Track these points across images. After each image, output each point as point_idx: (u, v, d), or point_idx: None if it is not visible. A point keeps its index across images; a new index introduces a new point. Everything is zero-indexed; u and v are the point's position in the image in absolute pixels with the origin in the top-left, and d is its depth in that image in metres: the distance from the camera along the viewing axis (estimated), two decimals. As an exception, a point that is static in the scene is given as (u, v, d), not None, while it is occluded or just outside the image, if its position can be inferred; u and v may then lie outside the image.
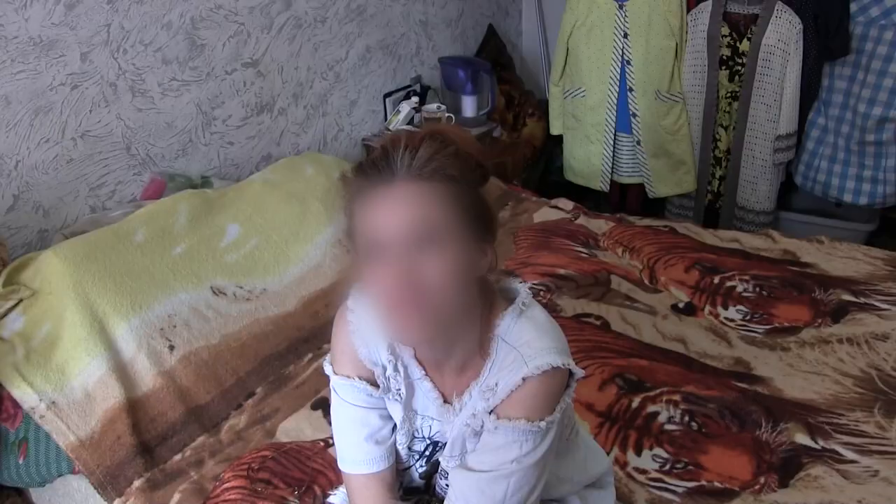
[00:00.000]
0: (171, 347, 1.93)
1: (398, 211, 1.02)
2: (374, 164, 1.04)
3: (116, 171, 2.38)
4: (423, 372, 1.23)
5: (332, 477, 1.67)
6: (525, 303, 1.19)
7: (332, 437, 1.77)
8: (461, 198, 1.05)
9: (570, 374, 1.16)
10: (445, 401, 1.23)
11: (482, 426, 1.16)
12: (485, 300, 1.16)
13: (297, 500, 1.62)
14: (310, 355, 2.14)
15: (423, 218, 1.02)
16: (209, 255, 2.16)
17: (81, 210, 2.31)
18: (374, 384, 1.24)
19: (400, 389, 1.23)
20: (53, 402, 1.75)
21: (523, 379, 1.10)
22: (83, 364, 1.81)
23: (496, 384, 1.14)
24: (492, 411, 1.14)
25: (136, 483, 1.72)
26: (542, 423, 1.12)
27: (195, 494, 1.68)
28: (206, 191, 2.39)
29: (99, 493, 1.71)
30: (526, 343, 1.14)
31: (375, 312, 1.13)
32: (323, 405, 1.92)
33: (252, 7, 2.68)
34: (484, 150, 1.15)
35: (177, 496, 1.68)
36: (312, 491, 1.64)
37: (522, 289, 1.21)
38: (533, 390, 1.11)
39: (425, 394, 1.24)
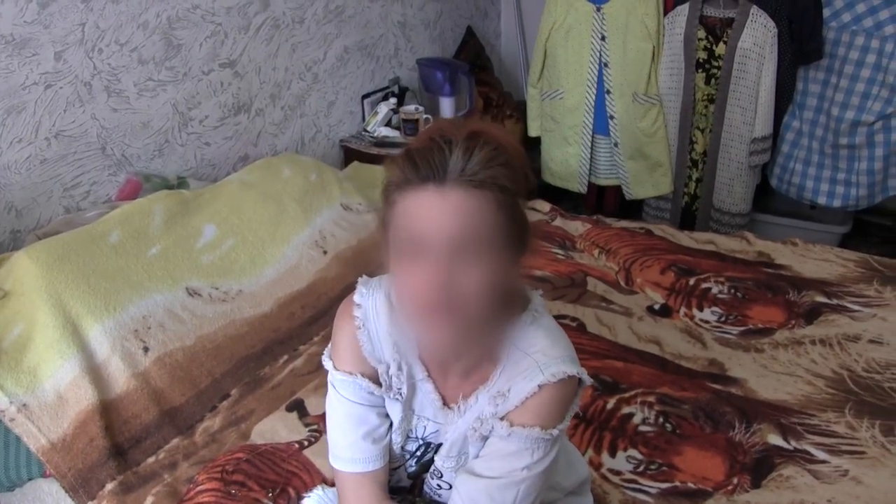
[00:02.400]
0: (146, 349, 1.91)
1: (447, 215, 0.99)
2: (426, 159, 1.00)
3: (91, 171, 2.36)
4: (426, 373, 1.22)
5: (307, 479, 1.66)
6: (538, 310, 1.18)
7: (307, 439, 1.78)
8: (507, 209, 1.03)
9: (579, 382, 1.16)
10: (445, 403, 1.22)
11: (491, 431, 1.16)
12: (503, 307, 1.14)
13: (271, 502, 1.61)
14: (285, 357, 2.13)
15: (470, 226, 0.99)
16: (185, 256, 2.15)
17: (55, 211, 2.29)
18: (376, 382, 1.22)
19: (402, 389, 1.22)
20: (24, 405, 1.73)
21: (539, 386, 1.10)
22: (55, 366, 1.79)
23: (509, 390, 1.14)
24: (503, 417, 1.14)
25: (109, 486, 1.71)
26: (555, 431, 1.12)
27: (168, 497, 1.67)
28: (183, 191, 2.38)
29: (70, 496, 1.69)
30: (540, 351, 1.13)
31: (401, 309, 1.11)
32: (298, 407, 1.92)
33: (229, 7, 2.67)
34: (528, 159, 1.13)
35: (150, 499, 1.67)
36: (287, 493, 1.63)
37: (535, 296, 1.21)
38: (548, 398, 1.11)
39: (425, 395, 1.23)
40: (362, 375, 1.21)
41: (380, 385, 1.22)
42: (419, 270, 1.00)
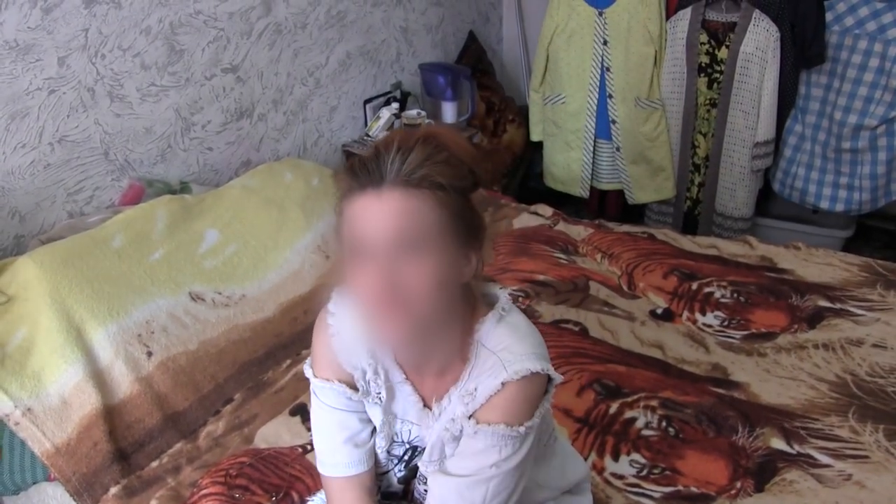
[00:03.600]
0: (149, 354, 1.92)
1: (384, 217, 1.02)
2: (364, 166, 1.04)
3: (94, 176, 2.37)
4: (404, 376, 1.23)
5: (310, 483, 1.67)
6: (505, 308, 1.19)
7: (310, 444, 1.78)
8: (449, 205, 1.05)
9: (549, 379, 1.17)
10: (425, 405, 1.23)
11: (461, 431, 1.17)
12: (466, 305, 1.17)
13: (274, 507, 1.62)
14: (288, 361, 2.13)
15: (408, 226, 1.02)
16: (187, 260, 2.15)
17: (59, 215, 2.30)
18: (354, 387, 1.24)
19: (380, 393, 1.23)
20: (29, 409, 1.73)
21: (503, 384, 1.11)
22: (60, 370, 1.79)
23: (475, 389, 1.15)
24: (471, 416, 1.14)
25: (113, 490, 1.72)
26: (522, 428, 1.12)
27: (172, 501, 1.67)
28: (185, 196, 2.38)
29: (75, 500, 1.70)
30: (505, 348, 1.14)
31: (358, 312, 1.14)
32: (301, 411, 1.92)
33: (231, 13, 2.68)
34: (477, 155, 1.15)
35: (154, 503, 1.67)
36: (290, 497, 1.64)
37: (502, 294, 1.22)
38: (512, 395, 1.12)
39: (405, 398, 1.24)
40: (339, 381, 1.24)
41: (357, 390, 1.24)
42: (365, 270, 1.04)
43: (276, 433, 1.86)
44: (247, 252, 2.27)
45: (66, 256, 1.96)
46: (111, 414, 1.81)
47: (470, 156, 1.10)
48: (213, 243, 2.24)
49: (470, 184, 1.09)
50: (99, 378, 1.83)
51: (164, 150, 2.57)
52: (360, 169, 1.05)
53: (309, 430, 1.85)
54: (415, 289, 1.03)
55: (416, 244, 1.02)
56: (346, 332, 1.22)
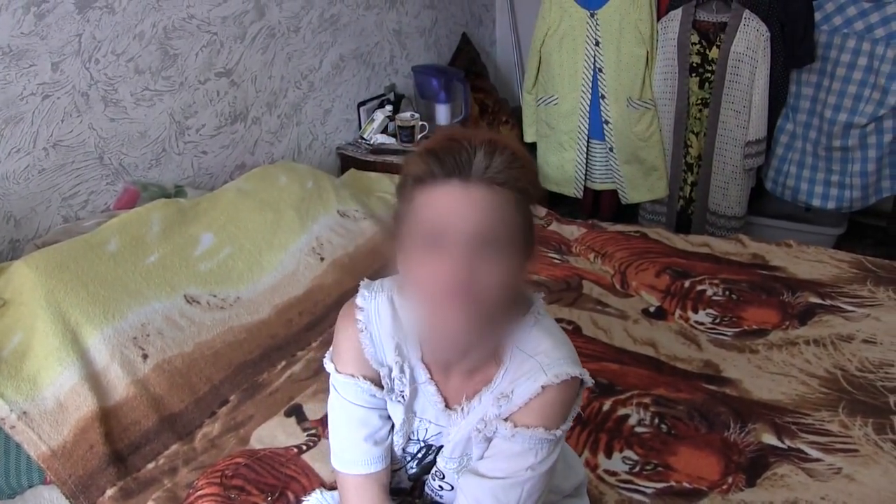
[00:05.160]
0: (145, 356, 1.93)
1: (471, 208, 1.01)
2: (452, 156, 1.03)
3: (89, 180, 2.38)
4: (429, 375, 1.23)
5: (306, 482, 1.68)
6: (540, 312, 1.20)
7: (305, 444, 1.79)
8: (522, 210, 1.06)
9: (581, 383, 1.18)
10: (447, 405, 1.23)
11: (495, 432, 1.17)
12: (512, 307, 1.16)
13: (270, 507, 1.63)
14: (283, 363, 2.14)
15: (492, 222, 1.02)
16: (182, 263, 2.16)
17: (54, 220, 2.31)
18: (378, 384, 1.23)
19: (404, 391, 1.23)
20: (25, 413, 1.74)
21: (542, 387, 1.12)
22: (55, 374, 1.81)
23: (512, 392, 1.15)
24: (507, 419, 1.15)
25: (109, 492, 1.72)
26: (558, 432, 1.14)
27: (169, 502, 1.68)
28: (180, 200, 2.39)
29: (71, 502, 1.70)
30: (543, 352, 1.15)
31: (414, 302, 1.12)
32: (296, 412, 1.93)
33: (225, 17, 2.69)
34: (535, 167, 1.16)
35: (150, 504, 1.68)
36: (286, 497, 1.65)
37: (537, 298, 1.22)
38: (551, 399, 1.13)
39: (427, 397, 1.24)
40: (364, 378, 1.23)
41: (381, 388, 1.23)
42: (440, 261, 1.01)
43: (271, 434, 1.87)
44: (241, 255, 2.29)
45: (61, 260, 1.97)
46: (107, 416, 1.82)
47: (535, 167, 1.11)
48: (208, 246, 2.25)
49: (536, 194, 1.10)
50: (95, 381, 1.84)
51: (158, 155, 2.58)
52: (447, 158, 1.03)
53: (304, 430, 1.86)
54: (486, 286, 1.02)
55: (494, 242, 1.02)
56: (374, 328, 1.22)
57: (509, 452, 1.15)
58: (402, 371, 1.22)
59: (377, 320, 1.22)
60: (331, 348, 1.29)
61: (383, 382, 1.23)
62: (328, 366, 1.27)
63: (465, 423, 1.21)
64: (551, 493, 1.37)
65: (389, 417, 1.28)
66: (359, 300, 1.24)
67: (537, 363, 1.14)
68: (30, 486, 1.78)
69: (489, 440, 1.19)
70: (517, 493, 1.14)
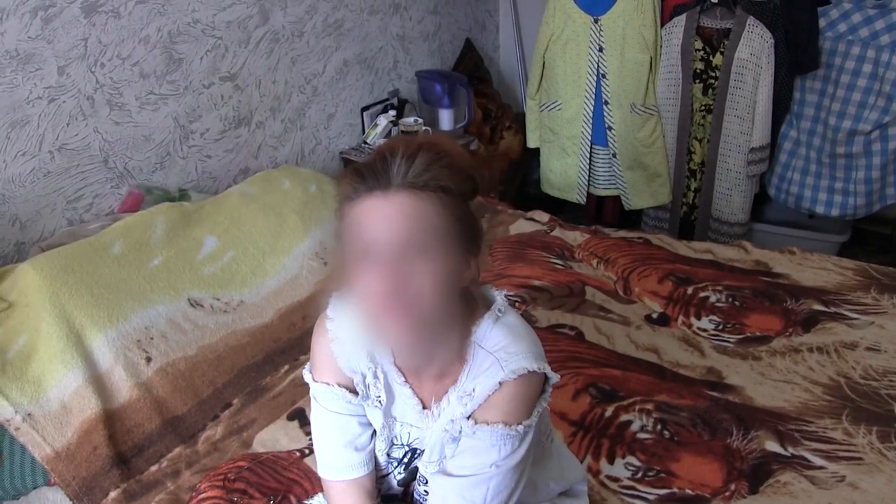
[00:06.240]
0: (148, 359, 1.93)
1: (393, 218, 1.03)
2: (371, 169, 1.05)
3: (94, 184, 2.39)
4: (403, 378, 1.24)
5: (308, 486, 1.68)
6: (501, 309, 1.21)
7: (308, 447, 1.80)
8: (453, 209, 1.07)
9: (547, 378, 1.18)
10: (425, 407, 1.25)
11: (460, 431, 1.18)
12: (465, 308, 1.18)
13: (272, 510, 1.63)
14: (286, 366, 2.15)
15: (416, 227, 1.03)
16: (186, 267, 2.17)
17: (59, 223, 2.32)
18: (354, 391, 1.25)
19: (380, 396, 1.25)
20: (29, 414, 1.75)
21: (500, 383, 1.13)
22: (59, 376, 1.81)
23: (473, 389, 1.16)
24: (469, 416, 1.16)
25: (112, 494, 1.73)
26: (520, 427, 1.14)
27: (171, 505, 1.69)
28: (184, 204, 2.40)
29: (74, 504, 1.71)
30: (502, 348, 1.16)
31: (361, 315, 1.14)
32: (299, 416, 1.93)
33: (229, 21, 2.70)
34: (475, 162, 1.18)
35: (153, 507, 1.69)
36: (288, 500, 1.65)
37: (499, 296, 1.23)
38: (510, 394, 1.14)
39: (405, 400, 1.25)
40: (339, 385, 1.26)
41: (356, 394, 1.25)
42: (371, 274, 1.04)
43: (273, 438, 1.87)
44: (245, 258, 2.29)
45: (65, 263, 1.97)
46: (111, 419, 1.82)
47: (469, 163, 1.12)
48: (212, 250, 2.25)
49: (470, 189, 1.11)
50: (98, 383, 1.84)
51: (162, 158, 2.59)
52: (366, 171, 1.06)
53: (307, 434, 1.86)
54: (420, 291, 1.04)
55: (422, 246, 1.04)
56: (344, 337, 1.24)
57: (473, 449, 1.16)
58: (375, 376, 1.24)
59: (348, 329, 1.24)
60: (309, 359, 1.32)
61: (358, 389, 1.25)
62: (306, 376, 1.31)
63: (438, 425, 1.22)
64: (542, 490, 1.39)
65: (370, 424, 1.30)
66: (329, 311, 1.26)
67: (496, 359, 1.15)
68: (34, 488, 1.79)
69: (457, 440, 1.20)
70: (482, 490, 1.15)
